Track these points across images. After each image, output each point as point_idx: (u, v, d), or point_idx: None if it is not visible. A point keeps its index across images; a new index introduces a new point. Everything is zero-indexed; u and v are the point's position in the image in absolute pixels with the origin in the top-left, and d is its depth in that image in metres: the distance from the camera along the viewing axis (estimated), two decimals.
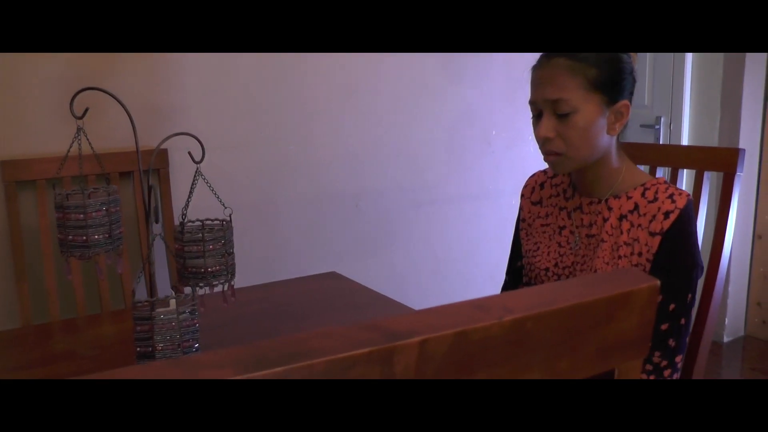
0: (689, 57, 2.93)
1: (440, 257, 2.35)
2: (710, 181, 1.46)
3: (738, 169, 1.33)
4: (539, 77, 1.15)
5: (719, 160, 1.37)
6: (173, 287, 0.94)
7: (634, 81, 1.17)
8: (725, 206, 1.37)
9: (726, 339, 3.00)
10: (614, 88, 1.13)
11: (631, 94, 1.17)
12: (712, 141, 2.89)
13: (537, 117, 1.17)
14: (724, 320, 2.97)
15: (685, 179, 1.47)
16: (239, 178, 1.94)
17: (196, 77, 1.84)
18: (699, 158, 1.40)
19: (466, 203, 2.36)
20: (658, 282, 0.42)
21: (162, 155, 1.79)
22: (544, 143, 1.16)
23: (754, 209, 2.92)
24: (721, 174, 1.38)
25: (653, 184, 1.18)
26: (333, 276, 1.68)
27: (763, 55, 2.78)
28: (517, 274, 1.41)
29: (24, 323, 1.63)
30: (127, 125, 1.75)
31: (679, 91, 2.96)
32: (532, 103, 1.18)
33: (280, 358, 0.29)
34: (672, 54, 2.95)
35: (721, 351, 2.94)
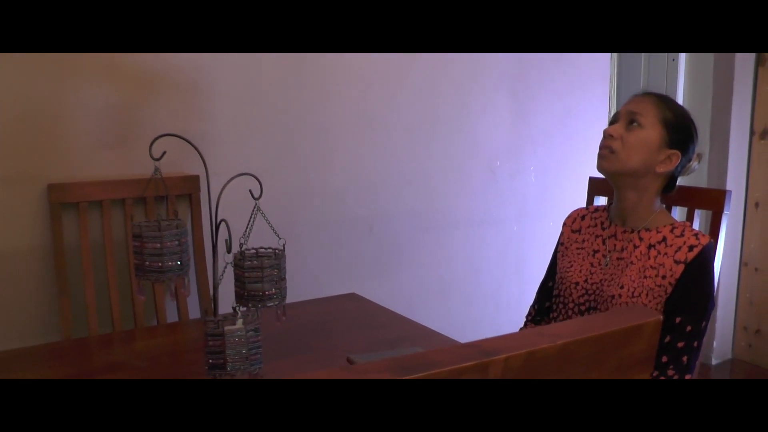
0: (680, 92, 3.11)
1: (446, 279, 2.49)
2: (700, 217, 1.61)
3: (725, 209, 1.48)
4: (632, 100, 1.44)
5: (709, 200, 1.53)
6: (233, 307, 1.07)
7: (693, 146, 1.42)
8: (714, 241, 1.52)
9: (714, 361, 3.15)
10: (677, 136, 1.39)
11: (685, 156, 1.40)
12: (701, 172, 3.05)
13: (613, 123, 1.43)
14: (713, 343, 3.12)
15: (678, 216, 1.63)
16: (263, 201, 2.07)
17: (225, 108, 1.98)
18: (691, 198, 1.56)
19: (471, 228, 2.51)
20: (661, 317, 0.56)
21: (194, 181, 1.92)
22: (606, 138, 1.40)
23: (740, 239, 3.08)
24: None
25: (681, 225, 1.39)
26: (353, 297, 1.82)
27: (749, 90, 2.95)
28: (545, 293, 1.60)
29: (64, 337, 1.74)
30: (161, 152, 1.89)
31: None
32: (615, 113, 1.44)
33: (419, 366, 0.42)
34: (664, 90, 3.12)
35: (709, 373, 3.08)
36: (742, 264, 3.10)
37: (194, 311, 1.93)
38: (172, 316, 1.91)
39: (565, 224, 1.60)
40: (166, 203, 1.86)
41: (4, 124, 1.70)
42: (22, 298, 1.78)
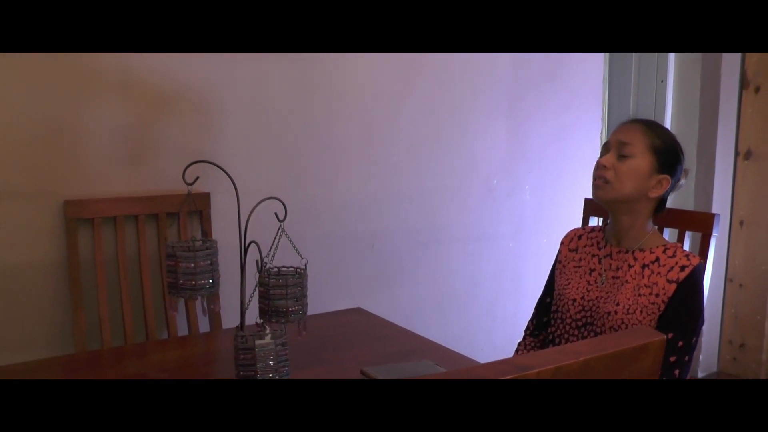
0: (668, 114, 3.21)
1: (444, 293, 2.57)
2: (690, 238, 1.70)
3: (714, 231, 1.57)
4: (619, 129, 1.51)
5: (698, 223, 1.62)
6: (256, 322, 1.14)
7: (681, 170, 1.50)
8: (703, 261, 1.61)
9: (700, 374, 3.24)
10: (666, 161, 1.46)
11: (673, 178, 1.48)
12: (688, 191, 3.15)
13: (604, 153, 1.50)
14: (699, 357, 3.21)
15: (669, 237, 1.72)
16: (268, 219, 2.15)
17: (234, 127, 2.05)
18: (681, 220, 1.65)
19: (468, 245, 2.59)
20: (665, 337, 0.64)
21: (205, 198, 1.99)
22: (599, 169, 1.47)
23: (726, 256, 3.18)
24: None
25: (673, 246, 1.47)
26: (359, 312, 1.89)
27: (734, 113, 3.06)
28: (544, 309, 1.68)
29: (79, 349, 1.80)
30: (173, 170, 1.96)
31: None
32: (606, 143, 1.50)
33: (509, 371, 0.52)
34: (653, 111, 3.23)
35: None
36: (728, 280, 3.20)
37: (204, 326, 1.99)
38: (182, 329, 1.97)
39: (562, 243, 1.68)
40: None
41: (23, 142, 1.76)
42: (38, 310, 1.83)
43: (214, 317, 1.97)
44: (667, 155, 1.46)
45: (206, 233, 1.27)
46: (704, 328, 3.25)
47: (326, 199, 2.25)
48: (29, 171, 1.78)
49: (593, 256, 1.58)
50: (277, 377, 1.04)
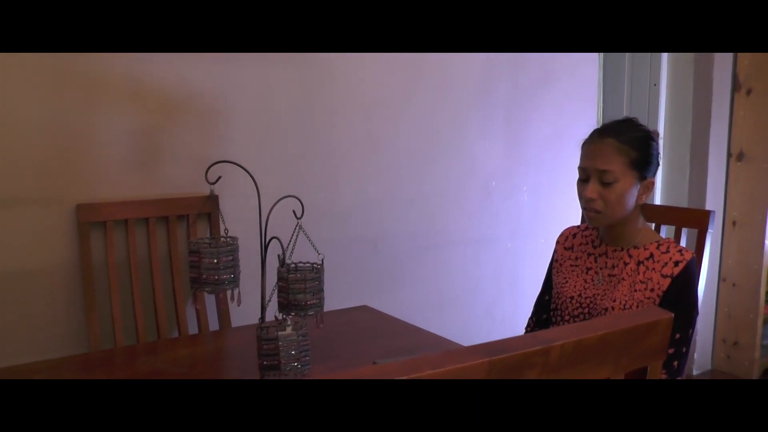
0: (661, 117, 3.29)
1: (444, 294, 2.62)
2: (686, 234, 1.76)
3: (709, 228, 1.63)
4: (592, 150, 1.48)
5: (694, 220, 1.68)
6: (275, 316, 1.19)
7: (658, 164, 1.50)
8: (699, 257, 1.67)
9: (695, 372, 3.30)
10: (646, 168, 1.47)
11: (655, 174, 1.50)
12: (682, 192, 3.22)
13: (584, 180, 1.49)
14: (694, 355, 3.27)
15: (665, 234, 1.78)
16: (282, 218, 2.19)
17: (241, 132, 2.10)
18: (678, 217, 1.71)
19: (467, 247, 2.64)
20: (673, 315, 0.70)
21: (214, 201, 2.04)
22: (588, 202, 1.48)
23: (719, 256, 3.25)
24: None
25: (666, 242, 1.51)
26: (365, 309, 1.94)
27: (726, 115, 3.14)
28: (542, 306, 1.72)
29: (93, 348, 1.84)
30: (182, 173, 2.01)
31: None
32: (582, 168, 1.49)
33: (504, 350, 0.56)
34: (646, 115, 3.30)
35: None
36: (721, 279, 3.27)
37: (213, 324, 2.04)
38: (192, 328, 2.02)
39: (558, 242, 1.72)
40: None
41: (38, 149, 1.81)
42: (52, 312, 1.87)
43: (224, 317, 2.01)
44: (645, 161, 1.46)
45: (227, 230, 1.32)
46: (699, 327, 3.31)
47: (330, 202, 2.30)
48: (43, 177, 1.83)
49: (589, 254, 1.61)
50: (299, 366, 1.09)
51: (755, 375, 3.21)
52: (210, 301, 2.03)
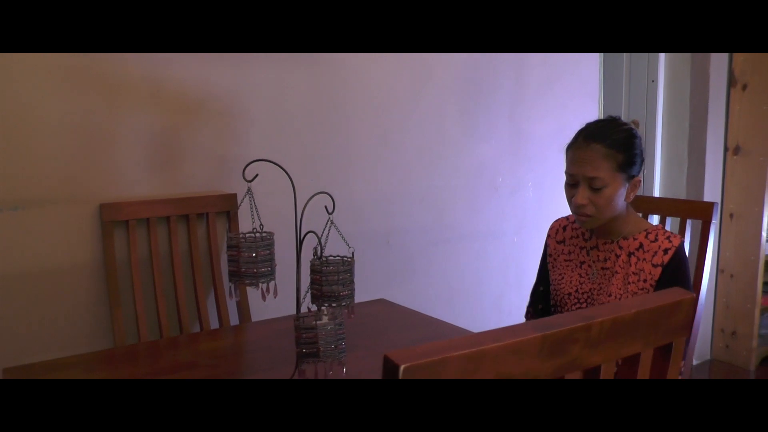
0: (659, 113, 3.36)
1: (453, 288, 2.69)
2: (690, 226, 1.84)
3: (713, 218, 1.71)
4: (579, 156, 1.50)
5: (698, 211, 1.75)
6: (308, 307, 1.25)
7: (643, 159, 1.54)
8: (703, 246, 1.75)
9: (694, 362, 3.39)
10: (633, 168, 1.50)
11: (641, 169, 1.54)
12: (681, 185, 3.30)
13: (573, 185, 1.53)
14: (693, 345, 3.35)
15: (670, 226, 1.85)
16: (291, 217, 2.26)
17: (257, 132, 2.16)
18: (682, 209, 1.79)
19: (475, 241, 2.71)
20: (694, 295, 0.76)
21: (232, 199, 2.10)
22: (578, 207, 1.51)
23: (717, 247, 3.33)
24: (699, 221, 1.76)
25: (654, 229, 1.55)
26: (382, 302, 2.01)
27: (723, 110, 3.22)
28: (538, 296, 1.78)
29: (118, 344, 1.90)
30: (202, 172, 2.06)
31: (651, 145, 3.38)
32: (570, 174, 1.53)
33: (551, 326, 0.63)
34: (645, 111, 3.38)
35: (690, 373, 3.32)
36: (719, 271, 3.36)
37: (233, 319, 2.10)
38: (213, 323, 2.08)
39: (549, 235, 1.75)
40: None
41: (61, 150, 1.86)
42: (78, 309, 1.93)
43: (243, 312, 2.08)
44: (632, 161, 1.49)
45: (262, 225, 1.38)
46: (697, 317, 3.40)
47: (343, 198, 2.36)
48: (67, 177, 1.88)
49: (581, 248, 1.65)
50: (336, 353, 1.15)
51: (753, 364, 3.30)
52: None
